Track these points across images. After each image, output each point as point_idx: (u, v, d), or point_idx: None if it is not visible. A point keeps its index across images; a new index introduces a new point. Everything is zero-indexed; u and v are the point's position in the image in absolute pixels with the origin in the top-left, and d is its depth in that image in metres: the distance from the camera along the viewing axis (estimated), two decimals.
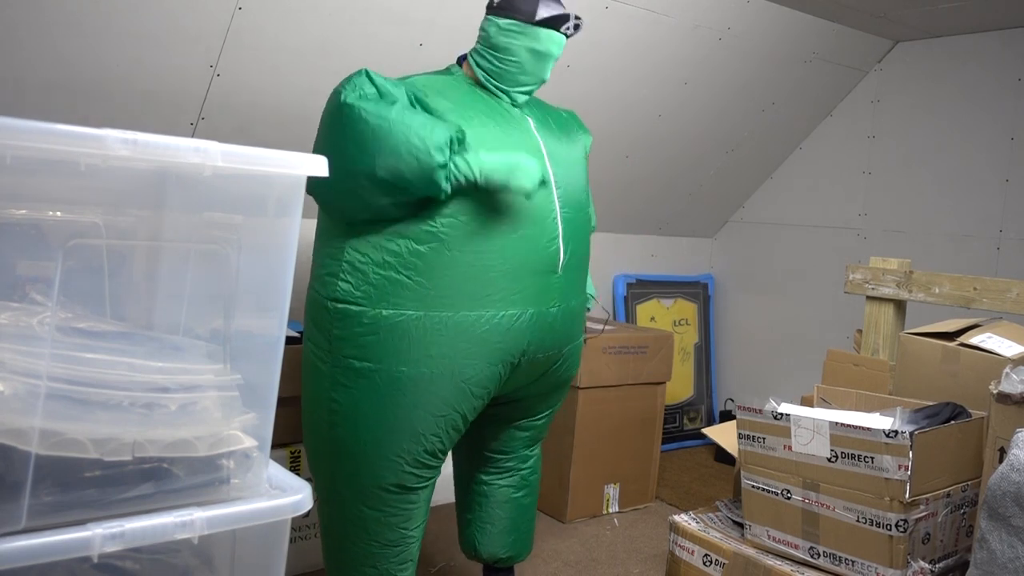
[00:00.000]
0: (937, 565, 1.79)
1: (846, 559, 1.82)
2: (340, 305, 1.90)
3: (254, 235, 1.37)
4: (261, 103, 2.69)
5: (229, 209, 1.33)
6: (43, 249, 1.15)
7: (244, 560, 1.39)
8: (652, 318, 4.27)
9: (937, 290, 2.46)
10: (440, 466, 2.07)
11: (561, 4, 2.02)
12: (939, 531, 1.80)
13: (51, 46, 2.25)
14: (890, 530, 1.73)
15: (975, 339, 2.10)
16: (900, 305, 2.60)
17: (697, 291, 4.51)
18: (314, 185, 1.83)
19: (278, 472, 1.41)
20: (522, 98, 2.08)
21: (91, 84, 2.38)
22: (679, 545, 2.13)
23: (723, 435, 2.29)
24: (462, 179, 1.84)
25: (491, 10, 2.04)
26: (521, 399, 2.22)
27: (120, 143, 1.11)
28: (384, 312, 1.87)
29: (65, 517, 1.12)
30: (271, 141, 2.65)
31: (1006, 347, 2.06)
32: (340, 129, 1.86)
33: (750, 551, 1.97)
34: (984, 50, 3.51)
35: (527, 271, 1.95)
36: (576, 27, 2.02)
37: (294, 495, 1.34)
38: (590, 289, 2.33)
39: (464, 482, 2.40)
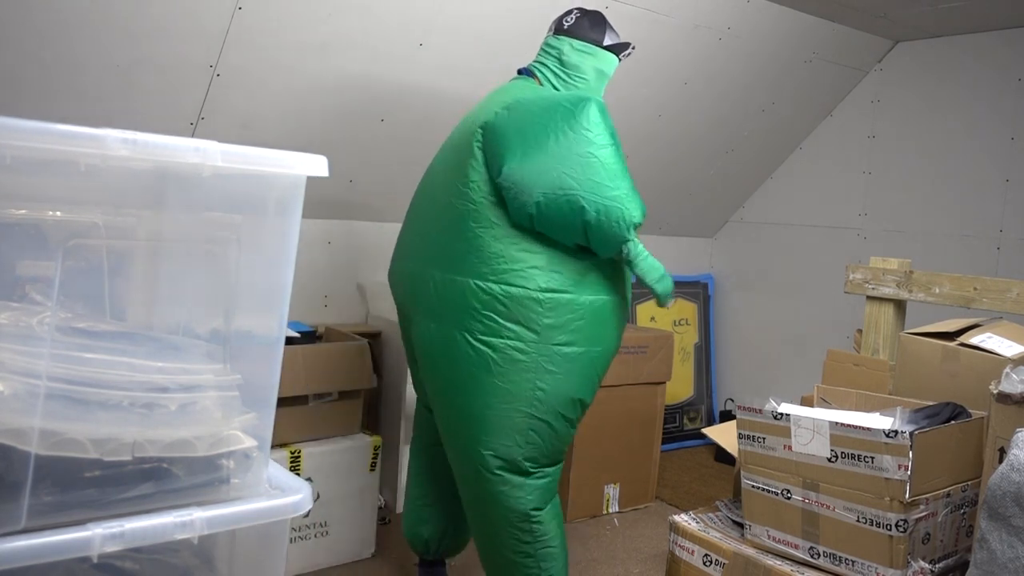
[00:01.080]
0: (937, 565, 1.79)
1: (846, 559, 1.82)
2: (552, 295, 2.03)
3: (254, 235, 1.37)
4: (261, 103, 2.69)
5: (229, 209, 1.33)
6: (43, 249, 1.15)
7: (244, 560, 1.39)
8: (652, 318, 4.27)
9: (937, 290, 2.45)
10: None
11: (617, 33, 2.28)
12: (939, 531, 1.80)
13: (51, 46, 2.25)
14: (890, 530, 1.73)
15: (975, 339, 2.10)
16: (900, 305, 2.60)
17: (697, 291, 4.51)
18: (529, 203, 1.97)
19: (278, 472, 1.41)
20: None
21: (91, 84, 2.38)
22: (679, 545, 2.13)
23: (723, 435, 2.29)
24: (628, 258, 2.06)
25: (562, 31, 2.25)
26: None
27: (120, 143, 1.11)
28: (589, 298, 2.06)
29: (65, 517, 1.12)
30: (271, 141, 2.65)
31: (1006, 347, 2.06)
32: (586, 166, 1.98)
33: (750, 551, 1.97)
34: (984, 50, 3.51)
35: (623, 268, 2.19)
36: (628, 54, 2.29)
37: (294, 495, 1.34)
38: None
39: (419, 473, 2.52)
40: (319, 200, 3.08)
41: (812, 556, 1.88)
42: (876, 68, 3.88)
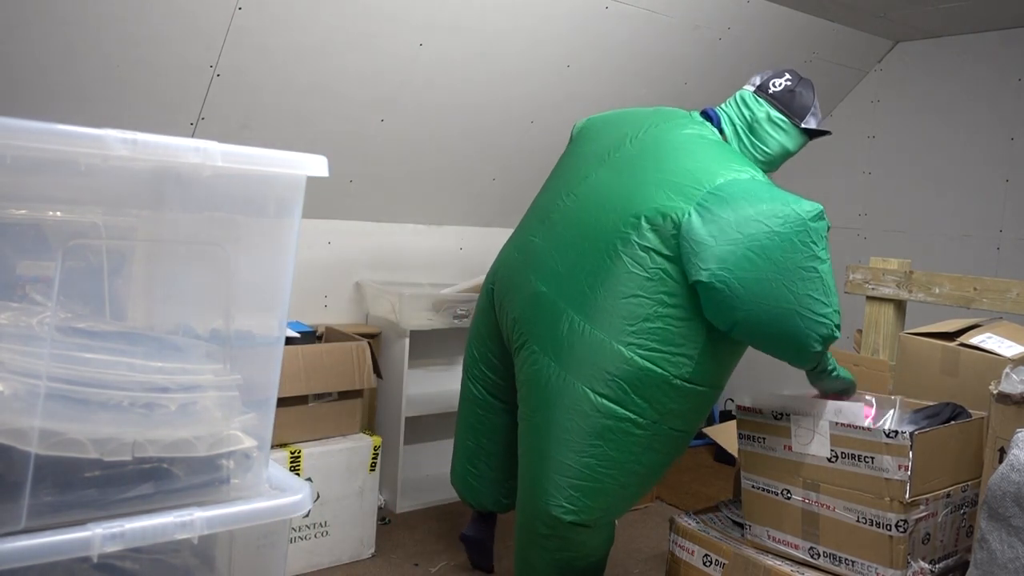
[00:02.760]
0: (937, 565, 1.79)
1: (846, 559, 1.82)
2: (691, 386, 1.99)
3: (254, 235, 1.37)
4: (261, 103, 2.69)
5: (229, 209, 1.33)
6: (43, 249, 1.15)
7: (244, 560, 1.39)
8: None
9: (937, 290, 2.45)
10: None
11: (818, 110, 2.17)
12: (939, 531, 1.80)
13: (51, 46, 2.25)
14: (890, 530, 1.73)
15: (975, 339, 2.10)
16: (900, 305, 2.60)
17: None
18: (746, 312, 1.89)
19: (278, 472, 1.41)
20: None
21: (91, 84, 2.38)
22: (679, 545, 2.13)
23: (723, 435, 2.29)
24: (820, 371, 2.00)
25: (765, 95, 2.14)
26: None
27: (120, 143, 1.11)
28: (712, 391, 2.05)
29: (65, 517, 1.12)
30: (271, 141, 2.65)
31: (1006, 347, 2.06)
32: (799, 279, 1.86)
33: (750, 551, 1.97)
34: (984, 50, 3.51)
35: None
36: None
37: (294, 495, 1.34)
38: None
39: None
40: (319, 200, 3.08)
41: (812, 556, 1.88)
42: (876, 68, 3.88)
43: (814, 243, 1.85)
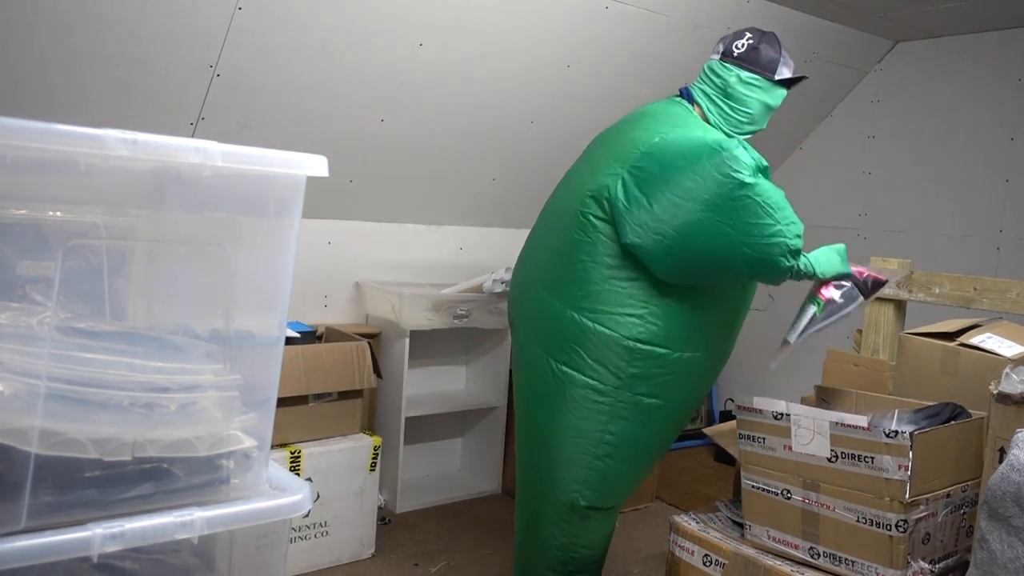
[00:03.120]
0: (937, 565, 1.79)
1: (846, 559, 1.82)
2: (645, 346, 1.98)
3: (254, 235, 1.37)
4: (261, 103, 2.69)
5: (229, 209, 1.33)
6: (43, 249, 1.15)
7: (244, 560, 1.39)
8: None
9: (937, 290, 2.45)
10: None
11: (792, 61, 2.17)
12: (939, 531, 1.80)
13: (51, 46, 2.25)
14: (890, 530, 1.73)
15: (975, 339, 2.10)
16: (900, 305, 2.60)
17: None
18: (661, 252, 1.91)
19: (278, 472, 1.41)
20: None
21: (91, 84, 2.38)
22: (679, 545, 2.12)
23: (723, 435, 2.28)
24: (801, 278, 1.99)
25: (731, 59, 2.12)
26: None
27: (120, 143, 1.11)
28: (682, 355, 2.02)
29: (65, 517, 1.12)
30: (271, 141, 2.65)
31: (1006, 347, 2.05)
32: (731, 209, 1.87)
33: (750, 551, 1.97)
34: (984, 50, 3.51)
35: (732, 326, 2.17)
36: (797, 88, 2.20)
37: (294, 495, 1.33)
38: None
39: None
40: (319, 200, 3.08)
41: (812, 556, 1.88)
42: (876, 68, 3.88)
43: (732, 168, 1.85)
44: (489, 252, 3.72)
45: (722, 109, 2.13)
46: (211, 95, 2.57)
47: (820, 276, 2.00)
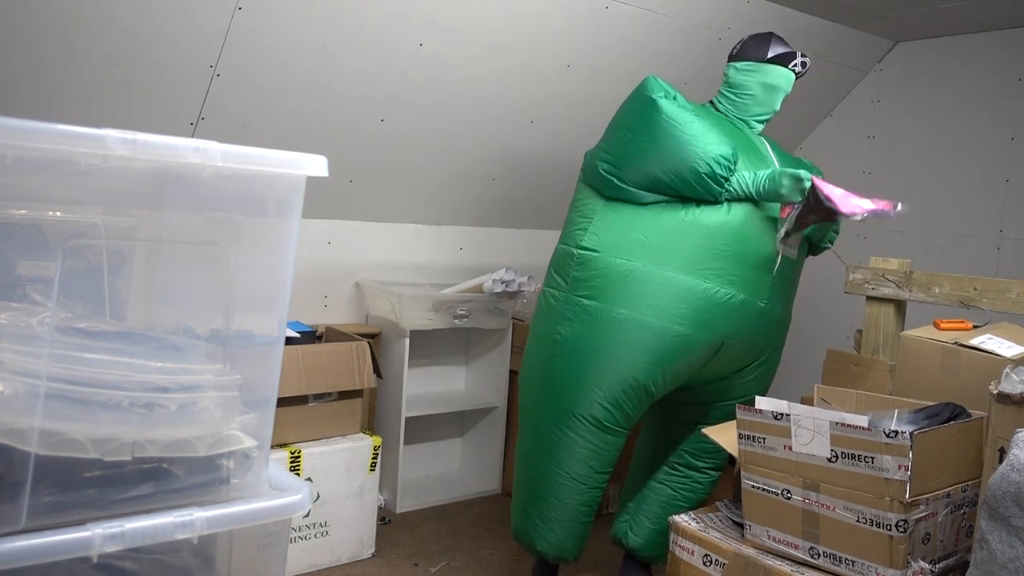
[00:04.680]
0: (937, 565, 1.79)
1: (846, 559, 1.82)
2: (584, 251, 2.27)
3: (254, 235, 1.37)
4: (261, 103, 2.69)
5: (229, 209, 1.33)
6: (43, 249, 1.15)
7: (244, 560, 1.39)
8: None
9: (937, 290, 2.45)
10: (629, 423, 2.28)
11: (788, 45, 2.39)
12: (939, 531, 1.80)
13: (51, 46, 2.25)
14: (890, 530, 1.73)
15: (975, 339, 2.10)
16: (900, 305, 2.60)
17: None
18: (607, 169, 2.27)
19: (278, 472, 1.41)
20: (758, 126, 2.45)
21: (91, 84, 2.38)
22: (679, 545, 2.12)
23: (723, 435, 2.28)
24: (742, 194, 2.20)
25: (730, 59, 2.45)
26: (717, 400, 2.46)
27: (120, 143, 1.11)
28: (617, 260, 2.21)
29: (65, 517, 1.12)
30: (271, 141, 2.65)
31: (1006, 347, 2.06)
32: (644, 127, 2.23)
33: (750, 551, 1.97)
34: (984, 50, 3.51)
35: (748, 262, 2.23)
36: (803, 64, 2.39)
37: (294, 495, 1.34)
38: None
39: (638, 473, 2.58)
40: (319, 200, 3.08)
41: (812, 556, 1.88)
42: (876, 68, 3.88)
43: (647, 90, 2.25)
44: (489, 252, 3.71)
45: (728, 98, 2.44)
46: (211, 95, 2.57)
47: (757, 196, 2.21)
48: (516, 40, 2.92)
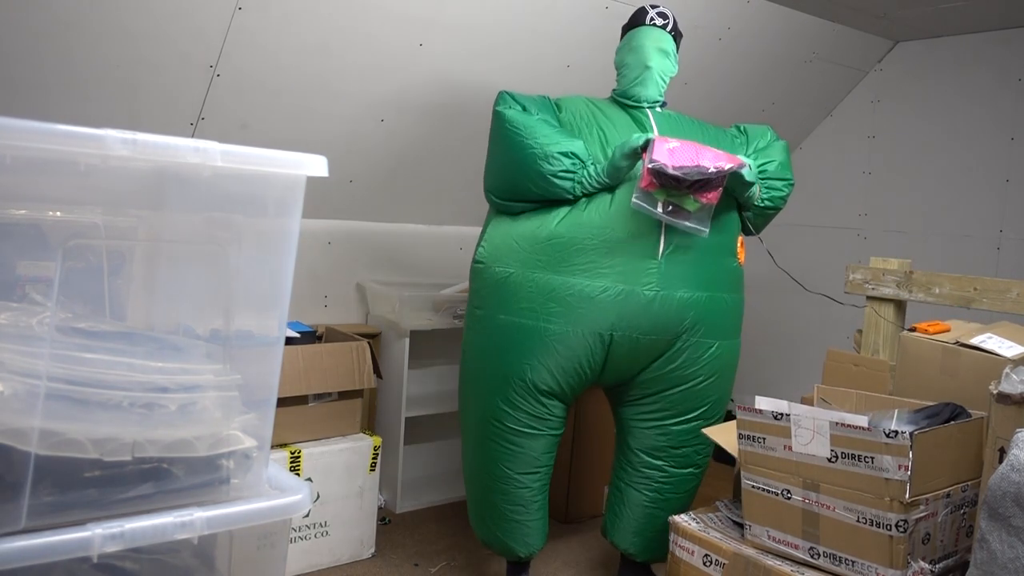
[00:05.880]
0: (937, 565, 1.79)
1: (846, 559, 1.82)
2: (476, 264, 2.41)
3: (254, 235, 1.37)
4: (261, 103, 2.69)
5: (229, 209, 1.33)
6: (43, 249, 1.15)
7: (244, 560, 1.39)
8: None
9: (937, 290, 2.46)
10: (538, 423, 2.34)
11: (649, 6, 2.41)
12: (939, 531, 1.80)
13: (51, 46, 2.25)
14: (890, 530, 1.73)
15: (975, 339, 2.10)
16: (900, 305, 2.60)
17: None
18: (485, 185, 2.40)
19: (278, 472, 1.41)
20: (650, 94, 2.41)
21: (91, 84, 2.38)
22: (679, 545, 2.13)
23: (723, 435, 2.28)
24: (594, 185, 2.23)
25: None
26: (649, 394, 2.44)
27: (120, 143, 1.11)
28: (496, 269, 2.32)
29: (65, 517, 1.12)
30: (271, 141, 2.65)
31: (1006, 347, 2.06)
32: (494, 138, 2.34)
33: (750, 551, 1.97)
34: (984, 50, 3.51)
35: (618, 252, 2.21)
36: (662, 16, 2.39)
37: (294, 495, 1.34)
38: None
39: (614, 470, 2.60)
40: (319, 200, 3.08)
41: (812, 556, 1.88)
42: (876, 68, 3.88)
43: (496, 112, 2.31)
44: None
45: (617, 82, 2.48)
46: (211, 95, 2.57)
47: (609, 181, 2.23)
48: (516, 40, 2.92)
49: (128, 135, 1.12)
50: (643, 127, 2.36)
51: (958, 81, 3.59)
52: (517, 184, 2.27)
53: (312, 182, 1.32)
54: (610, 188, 2.24)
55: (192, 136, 2.63)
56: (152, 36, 2.34)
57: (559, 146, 2.21)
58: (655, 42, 2.37)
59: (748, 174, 2.27)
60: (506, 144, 2.27)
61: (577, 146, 2.23)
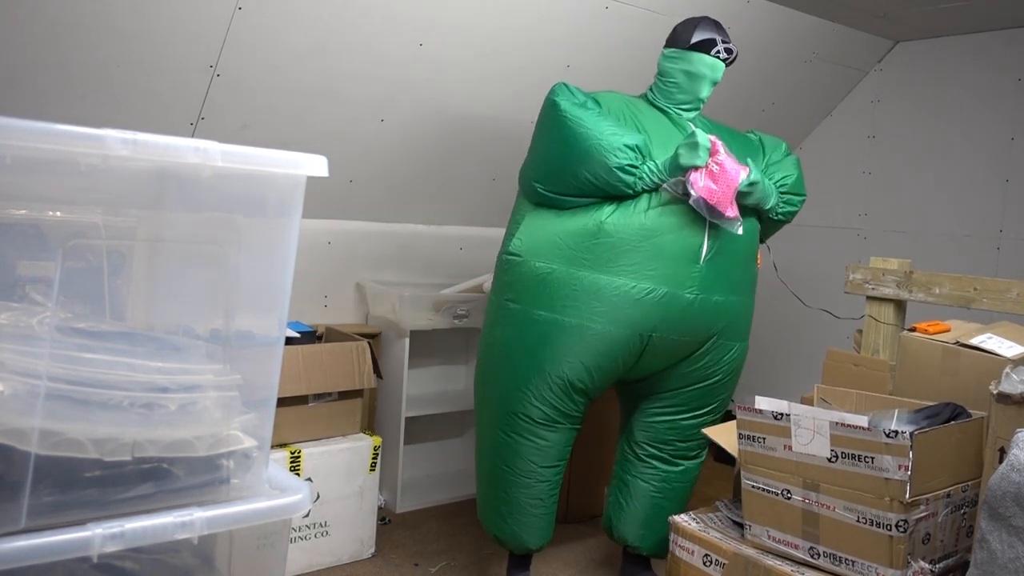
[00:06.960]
0: (937, 565, 1.79)
1: (846, 559, 1.82)
2: (509, 256, 2.37)
3: (254, 235, 1.37)
4: (261, 103, 2.69)
5: (229, 209, 1.33)
6: (43, 249, 1.15)
7: (244, 560, 1.39)
8: None
9: (937, 290, 2.45)
10: (566, 419, 2.35)
11: (716, 31, 2.35)
12: (939, 531, 1.80)
13: (51, 46, 2.25)
14: (890, 530, 1.73)
15: (975, 339, 2.10)
16: (900, 305, 2.60)
17: None
18: (531, 176, 2.37)
19: (278, 472, 1.41)
20: (686, 115, 2.42)
21: (90, 84, 2.38)
22: (679, 545, 2.13)
23: (723, 435, 2.28)
24: (653, 180, 2.22)
25: (664, 46, 2.44)
26: (668, 390, 2.47)
27: (120, 143, 1.11)
28: (536, 264, 2.29)
29: (65, 517, 1.12)
30: (271, 141, 2.65)
31: (1006, 347, 2.06)
32: (550, 130, 2.29)
33: (750, 551, 1.97)
34: (984, 50, 3.51)
35: (666, 255, 2.23)
36: (728, 51, 2.35)
37: (294, 495, 1.34)
38: None
39: (618, 463, 2.61)
40: (319, 200, 3.08)
41: (812, 556, 1.88)
42: (876, 68, 3.88)
43: (552, 95, 2.29)
44: (489, 252, 3.70)
45: (658, 85, 2.44)
46: (211, 95, 2.57)
47: (668, 176, 2.23)
48: (516, 40, 2.92)
49: (128, 135, 1.12)
50: (683, 130, 2.37)
51: (958, 81, 3.59)
52: (575, 176, 2.23)
53: (312, 182, 1.32)
54: (656, 188, 2.25)
55: (192, 136, 2.63)
56: (152, 36, 2.34)
57: (624, 138, 2.20)
58: (713, 73, 2.37)
59: (743, 182, 2.28)
60: (565, 135, 2.23)
61: (641, 140, 2.23)
